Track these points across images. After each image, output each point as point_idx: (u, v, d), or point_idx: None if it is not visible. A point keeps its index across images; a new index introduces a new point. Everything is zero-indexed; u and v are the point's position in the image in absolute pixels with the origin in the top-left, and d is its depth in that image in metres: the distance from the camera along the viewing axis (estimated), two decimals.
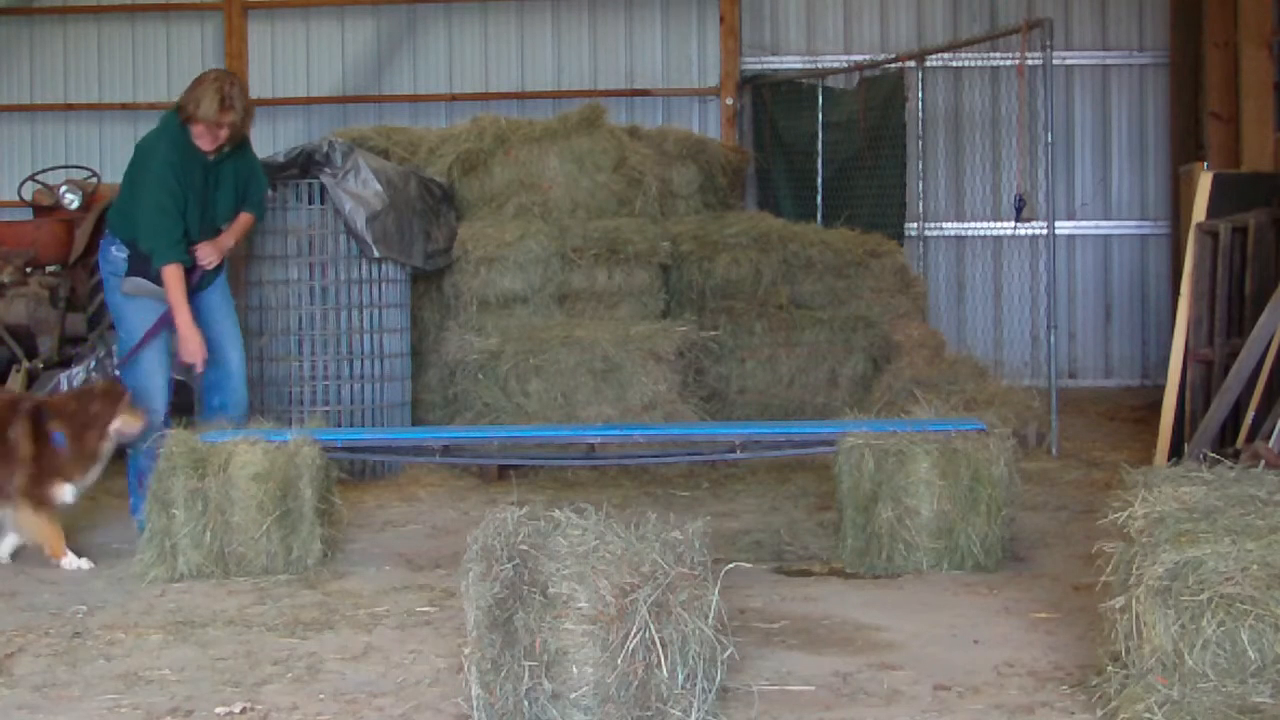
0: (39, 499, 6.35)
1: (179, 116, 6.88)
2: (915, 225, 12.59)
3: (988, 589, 5.71)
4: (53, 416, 6.44)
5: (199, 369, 7.02)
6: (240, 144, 7.05)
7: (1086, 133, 13.60)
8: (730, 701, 4.29)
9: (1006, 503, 6.03)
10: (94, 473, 6.53)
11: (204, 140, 6.87)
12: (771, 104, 13.36)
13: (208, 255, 7.04)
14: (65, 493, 6.41)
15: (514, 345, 8.66)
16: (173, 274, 6.86)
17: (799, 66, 13.65)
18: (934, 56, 12.28)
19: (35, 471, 6.34)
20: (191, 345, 6.91)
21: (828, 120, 12.70)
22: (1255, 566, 3.79)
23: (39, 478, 6.34)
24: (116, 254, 7.03)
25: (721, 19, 13.53)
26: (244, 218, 7.24)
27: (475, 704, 3.97)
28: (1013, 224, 10.29)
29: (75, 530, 7.25)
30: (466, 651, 4.02)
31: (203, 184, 6.96)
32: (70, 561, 6.37)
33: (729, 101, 13.60)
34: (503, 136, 9.65)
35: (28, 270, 10.85)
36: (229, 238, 7.18)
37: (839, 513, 6.23)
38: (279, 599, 5.71)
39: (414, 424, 8.79)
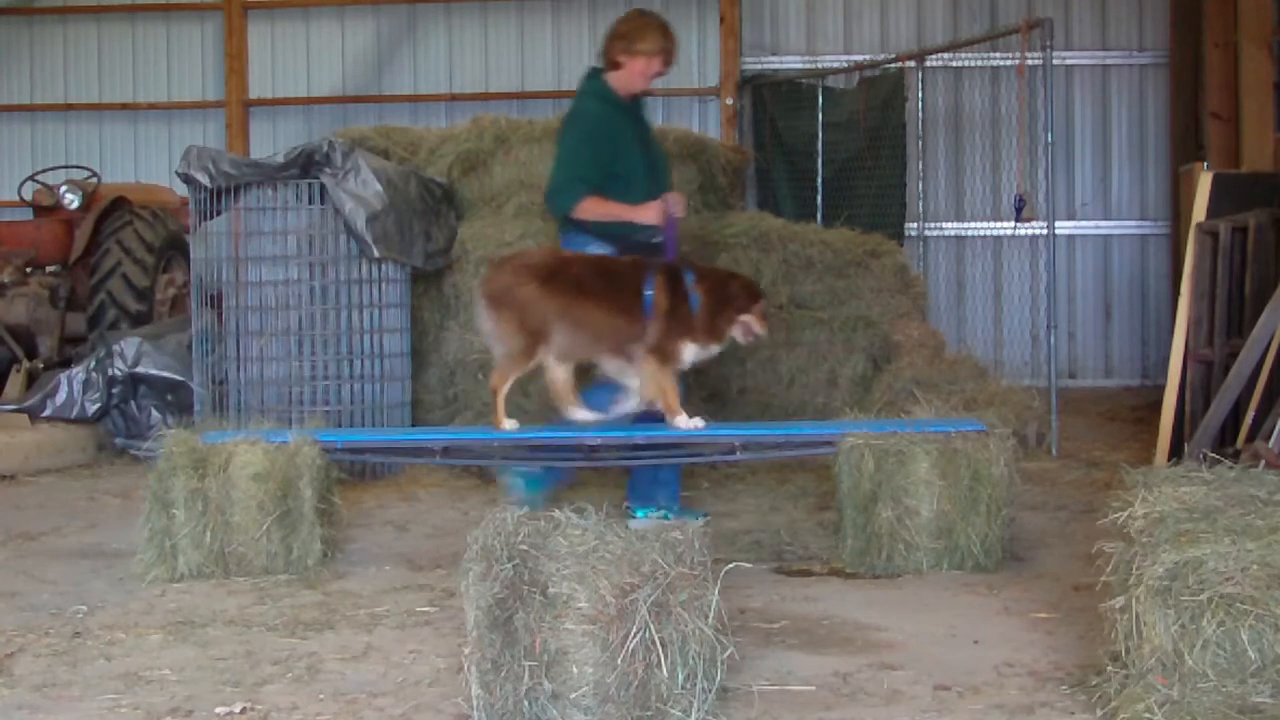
0: (666, 354, 6.32)
1: (601, 71, 6.89)
2: (915, 225, 12.60)
3: (988, 589, 5.71)
4: (696, 281, 6.41)
5: (679, 212, 6.87)
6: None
7: (1086, 133, 13.61)
8: (730, 701, 4.29)
9: (1006, 503, 6.03)
10: (711, 350, 6.48)
11: (640, 80, 6.86)
12: (771, 104, 13.36)
13: (679, 203, 6.91)
14: (689, 352, 6.38)
15: None
16: (591, 201, 6.71)
17: (799, 66, 13.66)
18: (934, 56, 12.29)
19: (668, 328, 6.31)
20: (653, 207, 6.73)
21: (828, 120, 12.71)
22: (1255, 566, 3.78)
23: (670, 333, 6.31)
24: (595, 250, 6.77)
25: (721, 19, 13.54)
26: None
27: (475, 704, 3.97)
28: (1013, 224, 10.29)
29: (74, 530, 7.26)
30: (466, 651, 4.02)
31: (634, 137, 6.89)
32: (684, 420, 6.32)
33: (729, 101, 13.61)
34: (503, 136, 9.65)
35: (28, 270, 10.87)
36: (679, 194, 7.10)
37: (839, 513, 6.22)
38: (279, 599, 5.71)
39: (414, 424, 8.78)
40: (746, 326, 6.48)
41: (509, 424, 6.45)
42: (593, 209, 6.73)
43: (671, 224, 6.83)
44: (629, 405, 6.53)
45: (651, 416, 6.56)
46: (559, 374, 6.45)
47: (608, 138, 6.78)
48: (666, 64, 6.95)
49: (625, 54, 6.84)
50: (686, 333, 6.35)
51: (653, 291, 6.31)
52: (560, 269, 6.38)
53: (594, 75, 6.98)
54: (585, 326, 6.32)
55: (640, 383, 6.39)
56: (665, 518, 6.67)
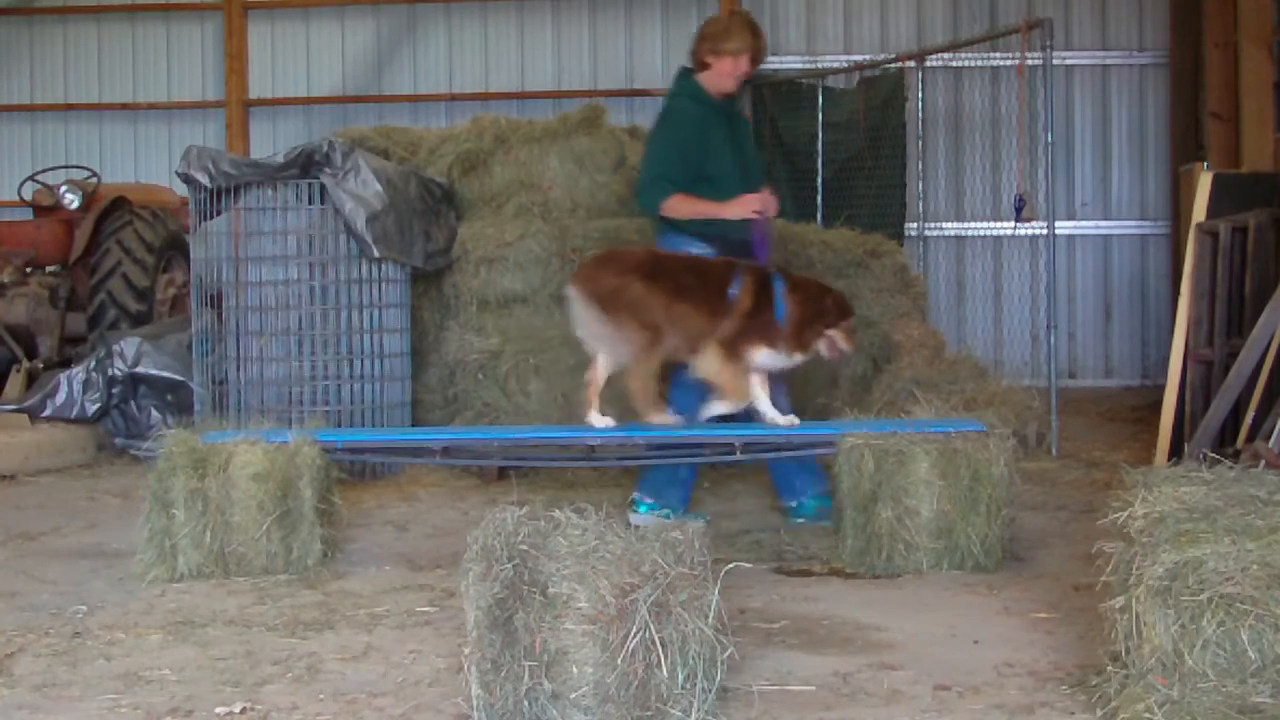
0: (731, 351, 6.32)
1: (692, 71, 6.87)
2: (915, 225, 12.59)
3: (988, 589, 5.71)
4: (789, 290, 6.40)
5: (770, 209, 6.83)
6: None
7: (1086, 133, 13.62)
8: (730, 701, 4.29)
9: (1006, 503, 6.03)
10: (794, 359, 6.46)
11: (729, 79, 6.85)
12: (771, 104, 13.35)
13: (769, 201, 6.83)
14: (760, 355, 6.37)
15: (514, 345, 8.66)
16: (678, 199, 6.68)
17: (799, 66, 13.65)
18: (934, 56, 12.28)
19: (742, 326, 6.31)
20: (741, 202, 6.71)
21: (828, 120, 12.71)
22: (1255, 566, 3.78)
23: (742, 332, 6.31)
24: (693, 250, 6.73)
25: None
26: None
27: (475, 704, 3.97)
28: (1013, 224, 10.29)
29: (74, 530, 7.26)
30: (466, 651, 4.02)
31: (726, 138, 6.85)
32: (684, 415, 6.39)
33: None
34: (503, 136, 9.64)
35: (28, 270, 10.87)
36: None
37: (839, 513, 6.23)
38: (279, 599, 5.71)
39: (414, 424, 8.79)
40: (832, 341, 6.50)
41: (665, 418, 6.42)
42: (680, 207, 6.73)
43: (763, 222, 6.83)
44: (718, 408, 6.52)
45: (748, 416, 6.59)
46: (596, 376, 6.45)
47: (698, 138, 6.77)
48: (754, 63, 6.94)
49: (712, 54, 6.84)
50: (760, 337, 6.35)
51: (737, 291, 6.32)
52: (658, 267, 6.40)
53: (685, 75, 6.96)
54: (676, 325, 6.34)
55: (701, 366, 6.40)
56: (666, 517, 6.67)
